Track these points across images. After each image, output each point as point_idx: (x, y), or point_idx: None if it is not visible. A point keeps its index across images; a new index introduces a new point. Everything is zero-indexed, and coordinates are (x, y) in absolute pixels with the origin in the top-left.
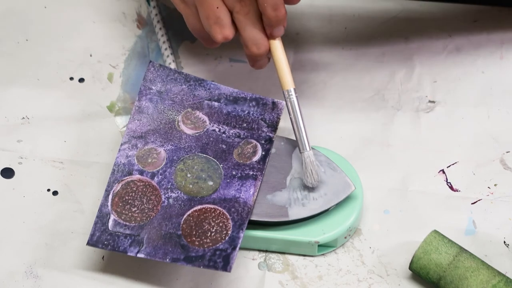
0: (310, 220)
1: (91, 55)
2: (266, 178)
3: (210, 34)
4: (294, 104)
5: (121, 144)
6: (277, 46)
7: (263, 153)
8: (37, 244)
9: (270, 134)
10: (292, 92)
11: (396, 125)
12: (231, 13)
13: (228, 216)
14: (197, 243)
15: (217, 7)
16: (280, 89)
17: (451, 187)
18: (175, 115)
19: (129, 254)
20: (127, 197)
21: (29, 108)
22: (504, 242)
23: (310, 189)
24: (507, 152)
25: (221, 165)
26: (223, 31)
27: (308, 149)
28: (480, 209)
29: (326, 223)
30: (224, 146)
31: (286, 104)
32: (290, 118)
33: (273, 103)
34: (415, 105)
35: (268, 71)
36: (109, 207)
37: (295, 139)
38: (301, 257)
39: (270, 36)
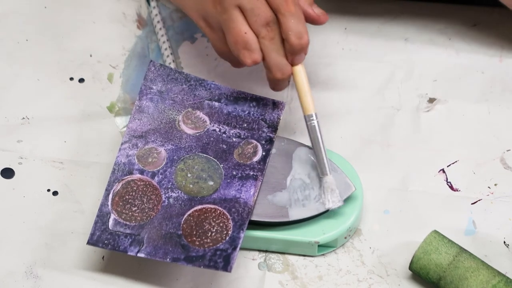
0: (310, 220)
1: (91, 55)
2: (266, 179)
3: (239, 58)
4: (315, 129)
5: (122, 144)
6: (300, 70)
7: (264, 153)
8: (37, 244)
9: (271, 135)
10: (314, 117)
11: (396, 125)
12: (256, 37)
13: (229, 216)
14: (197, 243)
15: (245, 32)
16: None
17: (451, 187)
18: (176, 114)
19: (129, 253)
20: (127, 197)
21: (29, 108)
22: (504, 242)
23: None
24: (508, 150)
25: (222, 165)
26: (252, 56)
27: (328, 173)
28: (480, 209)
29: (326, 223)
30: (224, 146)
31: (307, 128)
32: (311, 143)
33: (274, 103)
34: (415, 104)
35: None
36: (110, 207)
37: (295, 139)
38: (301, 257)
39: (291, 63)
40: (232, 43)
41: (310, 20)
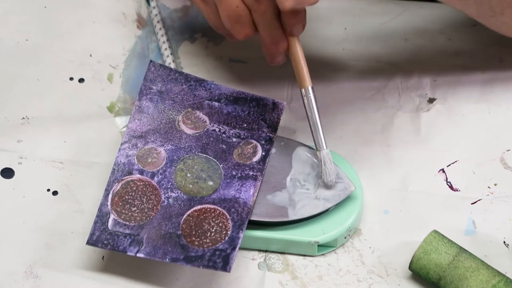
0: (310, 220)
1: (91, 55)
2: (266, 178)
3: (232, 32)
4: (312, 103)
5: (121, 144)
6: (295, 44)
7: (263, 153)
8: (37, 244)
9: (270, 135)
10: (310, 91)
11: (396, 125)
12: (249, 11)
13: (228, 216)
14: (196, 243)
15: (237, 6)
16: (280, 90)
17: (451, 187)
18: (176, 115)
19: (128, 253)
20: (127, 197)
21: (29, 108)
22: (504, 242)
23: (327, 186)
24: (507, 150)
25: (221, 165)
26: (244, 30)
27: (325, 147)
28: (480, 209)
29: (326, 223)
30: (224, 146)
31: (303, 102)
32: (307, 116)
33: (274, 103)
34: (415, 104)
35: (267, 71)
36: (109, 207)
37: (295, 139)
38: (301, 257)
39: (289, 34)
40: (225, 17)
41: None
